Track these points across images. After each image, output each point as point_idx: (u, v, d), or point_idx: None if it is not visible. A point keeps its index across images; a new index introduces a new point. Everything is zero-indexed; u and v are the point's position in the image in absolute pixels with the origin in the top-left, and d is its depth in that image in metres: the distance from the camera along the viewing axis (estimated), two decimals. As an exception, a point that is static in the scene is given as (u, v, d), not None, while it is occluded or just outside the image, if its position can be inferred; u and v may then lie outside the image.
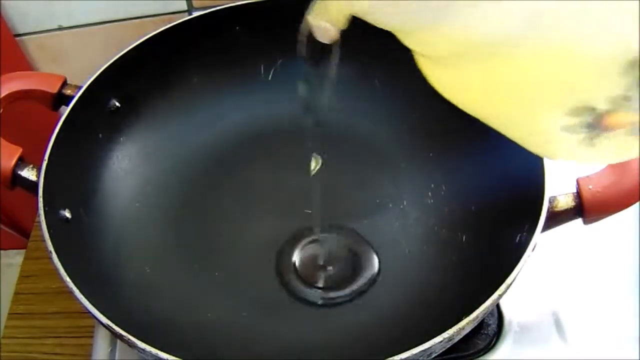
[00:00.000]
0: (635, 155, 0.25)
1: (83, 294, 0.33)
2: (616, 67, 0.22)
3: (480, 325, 0.43)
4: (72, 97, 0.43)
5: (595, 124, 0.23)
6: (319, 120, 0.38)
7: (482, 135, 0.45)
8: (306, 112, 0.37)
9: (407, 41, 0.25)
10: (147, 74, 0.48)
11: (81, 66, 0.47)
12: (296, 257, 0.46)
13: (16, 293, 0.57)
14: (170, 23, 0.47)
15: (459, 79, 0.26)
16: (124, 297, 0.41)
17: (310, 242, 0.47)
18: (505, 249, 0.37)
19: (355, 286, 0.44)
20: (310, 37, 0.30)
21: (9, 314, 0.55)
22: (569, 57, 0.22)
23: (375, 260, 0.45)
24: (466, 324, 0.32)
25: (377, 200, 0.49)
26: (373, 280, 0.44)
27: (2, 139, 0.40)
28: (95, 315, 0.33)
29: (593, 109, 0.23)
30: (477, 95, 0.26)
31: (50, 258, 0.35)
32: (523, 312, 0.44)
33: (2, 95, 0.42)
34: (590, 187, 0.36)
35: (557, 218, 0.37)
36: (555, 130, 0.24)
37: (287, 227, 0.47)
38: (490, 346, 0.43)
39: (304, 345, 0.41)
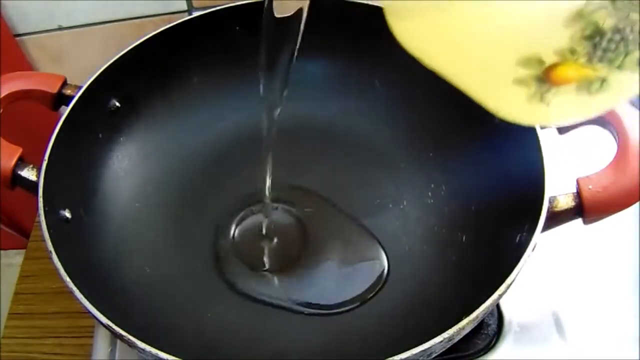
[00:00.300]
0: (588, 115, 0.25)
1: (83, 294, 0.33)
2: (561, 18, 0.22)
3: (480, 325, 0.43)
4: (72, 97, 0.43)
5: (544, 77, 0.24)
6: (275, 107, 0.37)
7: (482, 135, 0.45)
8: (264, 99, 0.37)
9: None
10: (147, 74, 0.48)
11: (81, 66, 0.47)
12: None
13: (16, 293, 0.57)
14: (170, 23, 0.47)
15: (423, 32, 0.26)
16: (124, 297, 0.41)
17: (313, 243, 0.47)
18: (505, 249, 0.37)
19: (360, 292, 0.44)
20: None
21: (9, 314, 0.55)
22: (518, 5, 0.22)
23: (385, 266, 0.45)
24: (466, 324, 0.32)
25: (377, 201, 0.49)
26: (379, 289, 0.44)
27: (2, 139, 0.40)
28: (95, 315, 0.33)
29: (541, 61, 0.23)
30: (440, 49, 0.26)
31: (50, 258, 0.35)
32: (523, 312, 0.44)
33: (2, 95, 0.42)
34: (590, 187, 0.36)
35: (557, 218, 0.37)
36: (507, 83, 0.24)
37: (287, 228, 0.47)
38: (490, 346, 0.43)
39: (304, 345, 0.41)
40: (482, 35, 0.24)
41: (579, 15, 0.22)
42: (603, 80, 0.23)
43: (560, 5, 0.22)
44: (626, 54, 0.23)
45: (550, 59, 0.23)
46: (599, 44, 0.22)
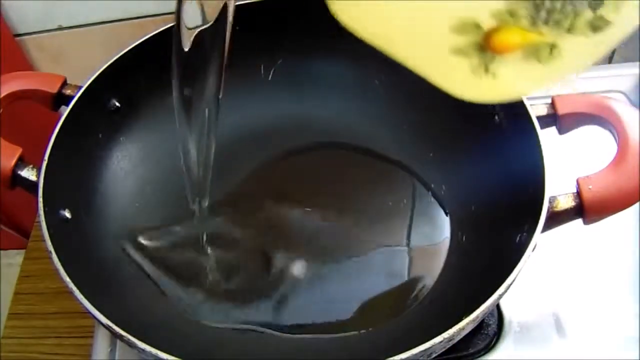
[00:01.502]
0: (542, 87, 0.22)
1: (83, 294, 0.33)
2: None
3: (480, 325, 0.43)
4: (72, 97, 0.43)
5: (486, 45, 0.21)
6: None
7: (482, 135, 0.45)
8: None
9: None
10: (147, 74, 0.48)
11: (81, 66, 0.47)
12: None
13: (16, 293, 0.57)
14: (170, 23, 0.47)
15: (362, 9, 0.24)
16: (124, 297, 0.41)
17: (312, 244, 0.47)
18: (505, 249, 0.37)
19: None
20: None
21: (9, 314, 0.55)
22: None
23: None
24: (466, 324, 0.32)
25: (377, 201, 0.49)
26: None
27: (2, 139, 0.40)
28: (95, 315, 0.33)
29: (478, 26, 0.21)
30: (380, 24, 0.24)
31: (50, 258, 0.35)
32: (523, 312, 0.44)
33: (2, 95, 0.42)
34: (591, 187, 0.36)
35: (557, 218, 0.37)
36: (445, 53, 0.22)
37: (286, 227, 0.47)
38: (490, 346, 0.43)
39: (305, 344, 0.41)
40: (415, 3, 0.21)
41: None
42: (552, 46, 0.21)
43: None
44: (575, 15, 0.20)
45: (487, 22, 0.20)
46: (541, 3, 0.19)
